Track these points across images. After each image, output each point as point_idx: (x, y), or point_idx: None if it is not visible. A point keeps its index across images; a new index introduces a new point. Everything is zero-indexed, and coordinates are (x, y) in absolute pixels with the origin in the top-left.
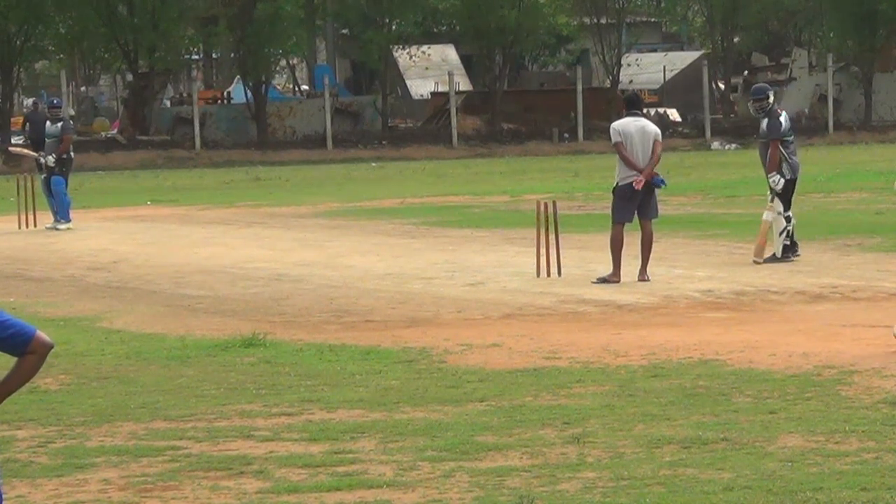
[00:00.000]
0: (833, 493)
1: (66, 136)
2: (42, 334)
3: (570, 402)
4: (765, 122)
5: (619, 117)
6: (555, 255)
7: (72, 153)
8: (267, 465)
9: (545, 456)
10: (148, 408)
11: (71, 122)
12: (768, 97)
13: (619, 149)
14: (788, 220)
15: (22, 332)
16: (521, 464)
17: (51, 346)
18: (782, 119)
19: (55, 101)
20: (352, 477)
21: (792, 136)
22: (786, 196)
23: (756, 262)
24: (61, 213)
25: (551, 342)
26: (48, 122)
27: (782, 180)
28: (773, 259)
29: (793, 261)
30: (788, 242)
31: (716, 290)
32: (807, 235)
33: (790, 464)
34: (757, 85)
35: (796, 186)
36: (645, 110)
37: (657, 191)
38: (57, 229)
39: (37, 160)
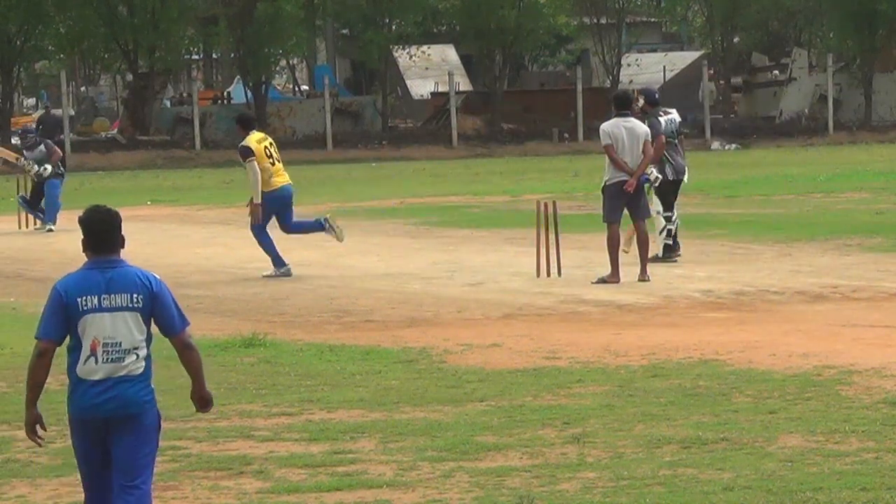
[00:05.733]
0: (833, 493)
1: (55, 150)
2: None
3: (570, 402)
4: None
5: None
6: (555, 255)
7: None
8: (267, 465)
9: (545, 456)
10: None
11: (49, 141)
12: (637, 101)
13: (608, 151)
14: (669, 219)
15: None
16: (521, 464)
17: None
18: (663, 120)
19: (29, 127)
20: (352, 477)
21: (675, 139)
22: (665, 196)
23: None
24: (49, 216)
25: (551, 342)
26: (25, 151)
27: (657, 176)
28: (656, 259)
29: (675, 261)
30: (670, 242)
31: (716, 290)
32: (807, 235)
33: (790, 464)
34: (640, 88)
35: (680, 189)
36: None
37: (646, 190)
38: (51, 230)
39: (29, 170)
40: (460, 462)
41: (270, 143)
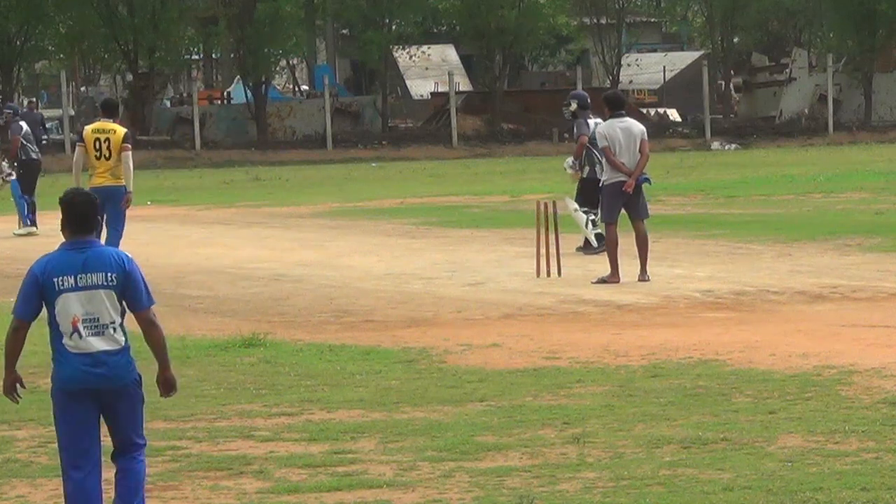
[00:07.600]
0: (833, 493)
1: (14, 137)
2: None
3: (570, 402)
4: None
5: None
6: (555, 255)
7: (32, 155)
8: (267, 465)
9: (545, 456)
10: (148, 408)
11: (16, 126)
12: (569, 104)
13: (606, 153)
14: (588, 213)
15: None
16: (521, 464)
17: (154, 321)
18: (591, 122)
19: (12, 105)
20: (352, 477)
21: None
22: (588, 194)
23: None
24: (23, 219)
25: (551, 342)
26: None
27: (568, 165)
28: (593, 250)
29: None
30: (601, 230)
31: (716, 290)
32: (807, 235)
33: (790, 464)
34: (573, 92)
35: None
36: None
37: (644, 190)
38: (19, 234)
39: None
40: (460, 462)
41: (107, 139)
